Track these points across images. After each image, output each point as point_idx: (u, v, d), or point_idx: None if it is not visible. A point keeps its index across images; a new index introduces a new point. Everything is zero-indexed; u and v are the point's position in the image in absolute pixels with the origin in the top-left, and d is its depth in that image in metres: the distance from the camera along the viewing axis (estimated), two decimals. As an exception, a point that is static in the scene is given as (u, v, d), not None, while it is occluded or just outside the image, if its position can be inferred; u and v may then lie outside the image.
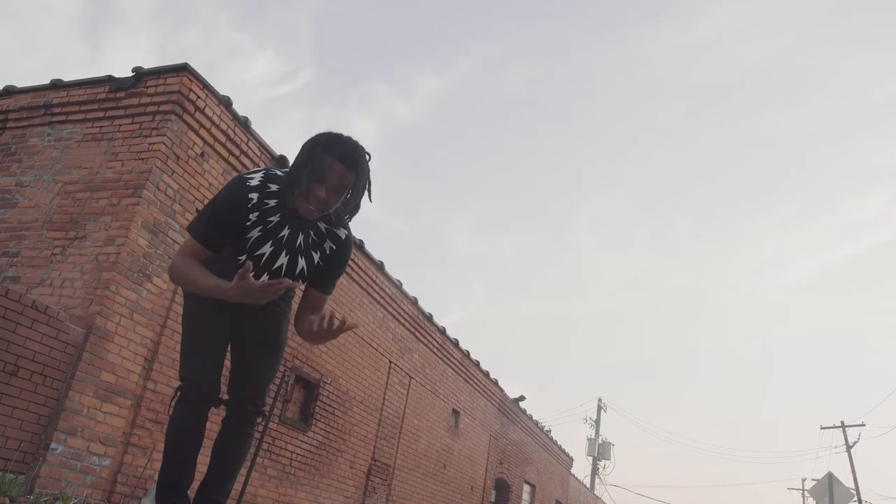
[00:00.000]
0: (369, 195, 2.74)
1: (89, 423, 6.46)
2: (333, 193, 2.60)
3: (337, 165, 2.56)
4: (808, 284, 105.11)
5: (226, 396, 3.00)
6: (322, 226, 2.83)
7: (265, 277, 2.78)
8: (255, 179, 2.70)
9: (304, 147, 2.63)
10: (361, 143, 2.67)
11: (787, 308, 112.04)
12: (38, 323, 6.05)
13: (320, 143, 2.59)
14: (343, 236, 2.88)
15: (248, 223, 2.69)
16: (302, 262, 2.83)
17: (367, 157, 2.66)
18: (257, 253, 2.75)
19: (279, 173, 2.75)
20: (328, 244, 2.86)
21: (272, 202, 2.69)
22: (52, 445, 6.05)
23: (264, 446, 9.41)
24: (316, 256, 2.85)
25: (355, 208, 2.74)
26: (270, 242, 2.74)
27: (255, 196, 2.67)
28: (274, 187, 2.70)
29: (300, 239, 2.79)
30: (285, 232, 2.75)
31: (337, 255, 2.89)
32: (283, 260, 2.79)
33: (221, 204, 2.68)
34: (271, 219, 2.70)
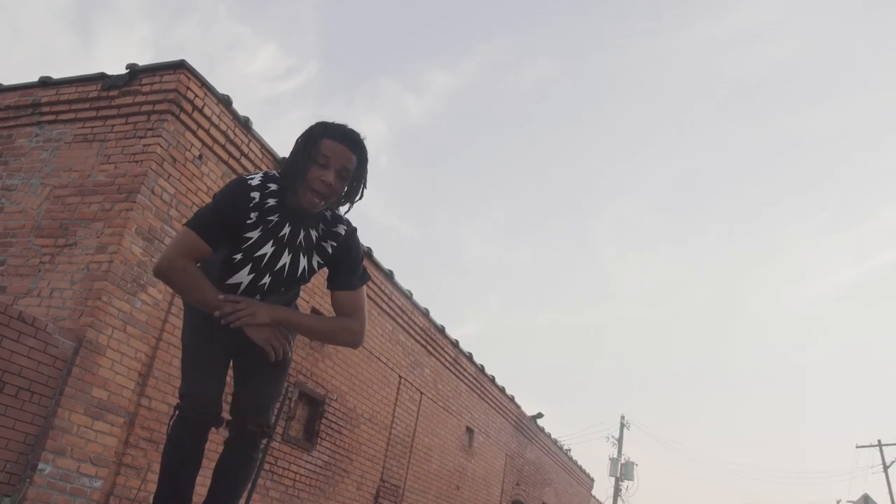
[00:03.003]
0: (366, 183, 2.79)
1: (79, 442, 6.39)
2: (339, 177, 2.65)
3: (339, 147, 2.63)
4: (845, 294, 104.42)
5: (228, 416, 2.96)
6: (322, 225, 2.85)
7: (267, 278, 2.81)
8: (256, 179, 2.75)
9: (300, 137, 2.70)
10: (366, 143, 2.74)
11: (822, 319, 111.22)
12: (25, 336, 6.00)
13: (319, 128, 2.67)
14: (343, 231, 2.89)
15: (248, 222, 2.71)
16: (304, 262, 2.85)
17: (364, 143, 2.72)
18: (258, 254, 2.77)
19: (277, 174, 2.79)
20: (328, 244, 2.86)
21: (272, 201, 2.73)
22: (40, 466, 6.00)
23: (266, 466, 9.35)
24: (317, 257, 2.86)
25: (359, 194, 2.79)
26: (271, 242, 2.77)
27: (256, 195, 2.70)
28: (273, 186, 2.74)
29: (301, 237, 2.81)
30: (286, 230, 2.77)
31: (341, 253, 2.89)
32: (285, 259, 2.81)
33: (223, 202, 2.70)
34: (271, 218, 2.74)
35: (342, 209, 2.90)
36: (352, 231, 2.92)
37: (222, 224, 2.70)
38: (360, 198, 2.80)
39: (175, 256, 2.68)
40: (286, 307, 2.88)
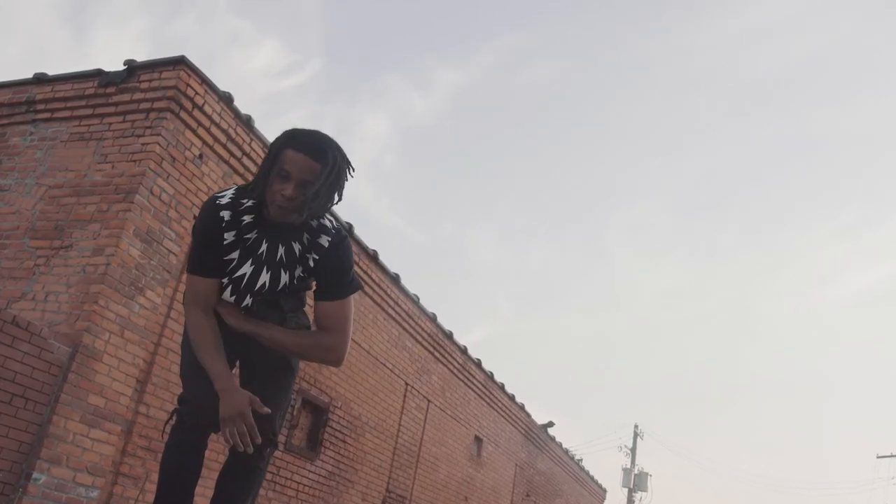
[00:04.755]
0: (340, 193, 2.72)
1: (75, 450, 6.38)
2: (300, 190, 2.57)
3: (299, 157, 2.57)
4: (866, 300, 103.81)
5: None
6: (306, 236, 2.81)
7: (248, 299, 2.83)
8: (227, 197, 2.76)
9: (268, 147, 2.67)
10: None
11: (842, 326, 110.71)
12: (19, 341, 5.98)
13: (282, 138, 2.63)
14: (326, 244, 2.83)
15: (225, 243, 2.73)
16: (285, 277, 2.84)
17: (337, 148, 2.65)
18: (237, 275, 2.79)
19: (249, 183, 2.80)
20: (311, 256, 2.83)
21: (248, 217, 2.74)
22: (35, 475, 5.98)
23: (268, 476, 9.32)
24: (298, 269, 2.84)
25: (330, 203, 2.72)
26: (250, 261, 2.78)
27: (226, 214, 2.72)
28: (247, 202, 2.73)
29: (281, 251, 2.80)
30: (263, 247, 2.78)
31: (323, 265, 2.84)
32: (265, 278, 2.81)
33: (197, 231, 2.76)
34: (248, 235, 2.75)
35: (324, 219, 2.83)
36: (338, 241, 2.86)
37: (207, 254, 2.74)
38: (333, 204, 2.74)
39: (187, 305, 2.83)
40: (259, 320, 2.84)
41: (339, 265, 2.88)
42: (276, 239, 2.77)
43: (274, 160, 2.59)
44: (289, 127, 2.68)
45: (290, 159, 2.56)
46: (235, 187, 2.80)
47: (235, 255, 2.76)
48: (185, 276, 2.92)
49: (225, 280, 2.80)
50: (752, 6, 77.89)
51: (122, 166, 7.32)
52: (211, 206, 2.73)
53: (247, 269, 2.78)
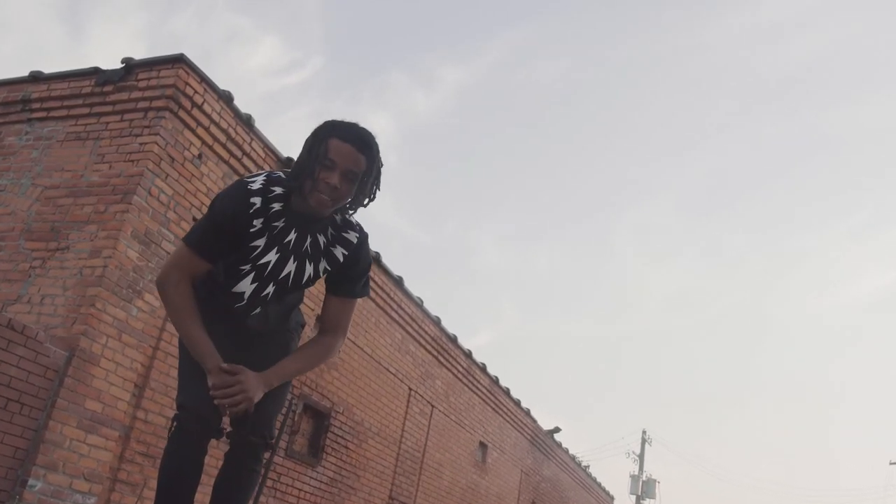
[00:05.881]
0: (378, 186, 2.78)
1: (72, 456, 6.36)
2: (345, 180, 2.62)
3: (346, 148, 2.59)
4: (878, 303, 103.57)
5: (228, 428, 2.94)
6: (331, 230, 2.85)
7: (271, 287, 2.83)
8: (258, 183, 2.74)
9: (308, 137, 2.68)
10: (378, 141, 2.73)
11: (854, 329, 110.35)
12: (15, 344, 5.97)
13: (326, 127, 2.64)
14: (355, 240, 2.90)
15: (251, 230, 2.72)
16: (309, 269, 2.86)
17: (377, 142, 2.70)
18: (261, 262, 2.79)
19: (282, 175, 2.78)
20: (339, 250, 2.87)
21: (277, 206, 2.73)
22: (30, 482, 5.97)
23: (269, 483, 9.30)
24: (324, 263, 2.86)
25: (369, 197, 2.77)
26: (276, 249, 2.78)
27: (257, 200, 2.70)
28: (278, 190, 2.73)
29: (307, 243, 2.82)
30: (292, 236, 2.78)
31: (351, 261, 2.90)
32: (290, 267, 2.82)
33: (221, 211, 2.72)
34: (276, 224, 2.74)
35: (351, 213, 2.88)
36: (363, 238, 2.93)
37: (219, 237, 2.73)
38: (372, 200, 2.79)
39: (170, 269, 2.77)
40: (275, 366, 2.85)
41: (366, 264, 2.97)
42: (303, 230, 2.78)
43: (317, 150, 2.60)
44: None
45: (335, 149, 2.58)
46: (265, 174, 2.79)
47: (261, 241, 2.74)
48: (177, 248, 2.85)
49: (247, 267, 2.78)
50: (762, 2, 77.91)
51: (120, 166, 7.31)
52: (242, 191, 2.71)
53: (272, 256, 2.78)
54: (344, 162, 2.58)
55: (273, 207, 2.71)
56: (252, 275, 2.77)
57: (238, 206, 2.69)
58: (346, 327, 2.99)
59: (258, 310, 2.88)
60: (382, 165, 2.76)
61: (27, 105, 8.26)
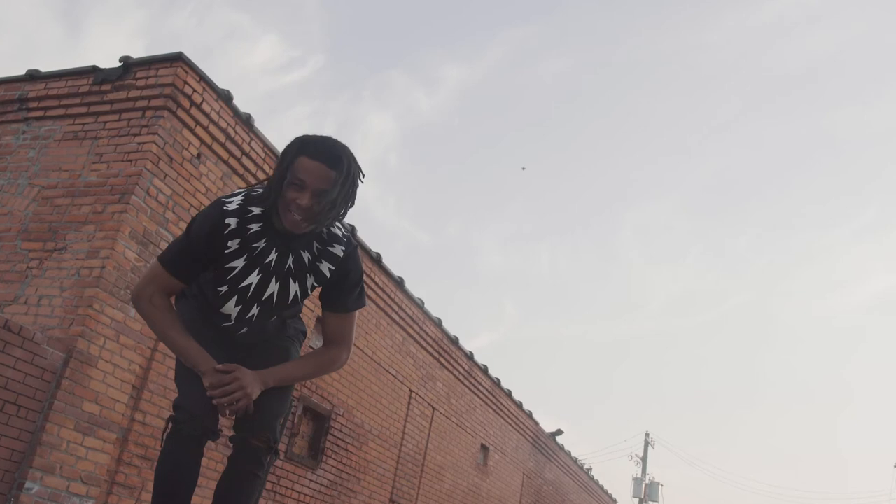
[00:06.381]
0: (353, 200, 2.72)
1: (69, 459, 6.34)
2: (316, 199, 2.57)
3: (314, 165, 2.56)
4: (888, 305, 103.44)
5: (230, 430, 2.93)
6: (316, 245, 2.82)
7: (255, 309, 2.84)
8: (234, 203, 2.74)
9: (280, 155, 2.67)
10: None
11: (861, 331, 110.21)
12: (12, 346, 5.95)
13: (295, 145, 2.62)
14: (341, 254, 2.86)
15: (227, 251, 2.72)
16: (295, 287, 2.84)
17: (350, 154, 2.66)
18: (243, 284, 2.78)
19: (261, 192, 2.76)
20: (325, 266, 2.84)
21: (255, 226, 2.72)
22: (27, 485, 5.96)
23: (268, 486, 9.29)
24: (310, 279, 2.85)
25: (343, 212, 2.72)
26: (257, 270, 2.77)
27: (232, 221, 2.70)
28: (256, 210, 2.72)
29: (290, 261, 2.80)
30: (272, 257, 2.77)
31: (339, 275, 2.88)
32: (273, 287, 2.81)
33: (196, 232, 2.73)
34: (256, 245, 2.74)
35: (334, 226, 2.85)
36: (351, 251, 2.89)
37: (194, 258, 2.73)
38: (344, 215, 2.74)
39: (144, 285, 2.79)
40: (275, 365, 2.87)
41: (356, 276, 2.93)
42: (285, 248, 2.76)
43: (287, 169, 2.57)
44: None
45: (304, 168, 2.55)
46: (244, 193, 2.77)
47: (240, 263, 2.74)
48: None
49: (225, 288, 2.78)
50: (767, 1, 77.90)
51: (118, 166, 7.30)
52: (217, 212, 2.71)
53: (253, 278, 2.77)
54: (314, 181, 2.55)
55: (251, 228, 2.71)
56: (235, 297, 2.78)
57: (213, 226, 2.69)
58: (349, 340, 2.97)
59: (245, 329, 2.90)
60: (363, 176, 2.72)
61: (24, 104, 8.24)
